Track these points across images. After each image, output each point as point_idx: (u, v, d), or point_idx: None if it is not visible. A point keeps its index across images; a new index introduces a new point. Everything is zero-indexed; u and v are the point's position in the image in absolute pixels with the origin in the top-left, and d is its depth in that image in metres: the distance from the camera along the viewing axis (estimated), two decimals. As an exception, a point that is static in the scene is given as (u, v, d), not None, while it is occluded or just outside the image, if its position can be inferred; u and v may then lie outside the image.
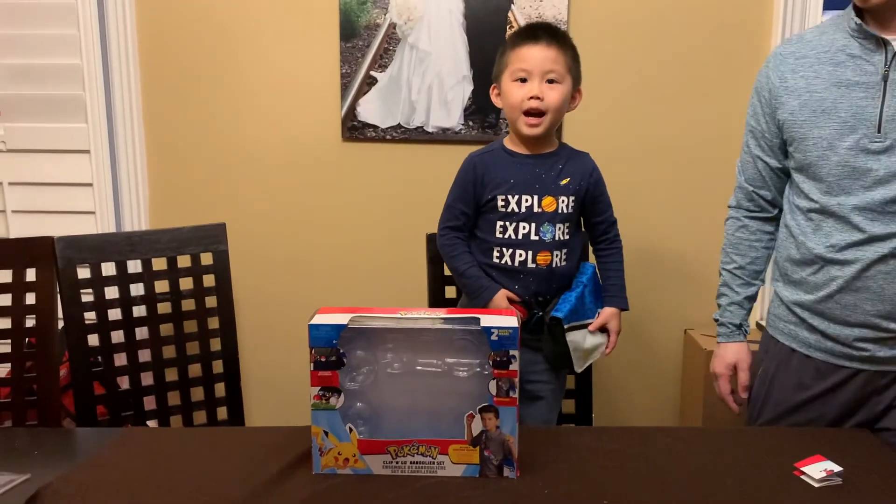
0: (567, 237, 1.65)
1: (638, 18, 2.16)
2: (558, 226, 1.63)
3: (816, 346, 1.43)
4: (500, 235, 1.63)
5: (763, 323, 1.65)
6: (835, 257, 1.37)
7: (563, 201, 1.63)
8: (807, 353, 1.45)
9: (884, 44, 1.32)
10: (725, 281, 1.60)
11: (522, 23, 2.11)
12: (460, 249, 1.66)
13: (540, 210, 1.61)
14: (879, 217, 1.32)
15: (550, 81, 1.59)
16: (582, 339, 1.67)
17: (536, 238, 1.62)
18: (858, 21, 1.34)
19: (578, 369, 1.70)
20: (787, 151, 1.47)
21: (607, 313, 1.70)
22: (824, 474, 1.17)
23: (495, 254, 1.64)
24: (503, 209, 1.62)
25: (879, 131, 1.32)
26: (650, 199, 2.24)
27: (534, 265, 1.62)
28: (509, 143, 1.68)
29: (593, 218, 1.72)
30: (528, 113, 1.59)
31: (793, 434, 1.40)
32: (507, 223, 1.62)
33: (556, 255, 1.64)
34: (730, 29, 2.16)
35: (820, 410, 1.44)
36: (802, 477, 1.19)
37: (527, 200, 1.61)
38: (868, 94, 1.33)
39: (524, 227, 1.61)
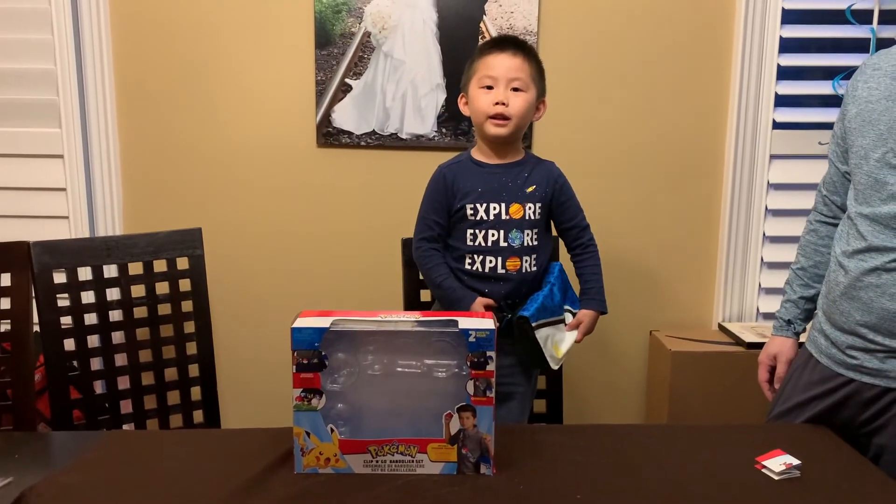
0: (535, 243, 1.71)
1: (605, 31, 2.22)
2: (526, 232, 1.69)
3: (825, 352, 1.48)
4: (471, 243, 1.69)
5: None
6: (842, 262, 1.42)
7: (529, 208, 1.69)
8: (818, 359, 1.49)
9: None
10: (788, 279, 1.64)
11: (494, 33, 2.16)
12: (435, 261, 1.71)
13: (507, 217, 1.67)
14: (883, 230, 1.35)
15: (515, 90, 1.65)
16: (551, 335, 1.72)
17: (505, 244, 1.67)
18: None
19: (554, 366, 1.74)
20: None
21: (584, 314, 1.76)
22: (783, 467, 1.23)
23: (467, 261, 1.70)
24: (472, 217, 1.68)
25: None
26: (615, 204, 2.30)
27: (503, 271, 1.68)
28: (477, 154, 1.74)
29: (564, 224, 1.78)
30: (493, 117, 1.65)
31: (755, 430, 1.46)
32: (477, 231, 1.68)
33: (526, 261, 1.70)
34: (693, 40, 2.23)
35: (811, 411, 1.49)
36: (763, 470, 1.25)
37: (494, 208, 1.67)
38: None
39: (493, 234, 1.67)
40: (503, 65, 1.65)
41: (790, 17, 2.21)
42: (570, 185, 1.78)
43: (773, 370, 1.64)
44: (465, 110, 1.75)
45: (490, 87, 1.65)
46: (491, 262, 1.68)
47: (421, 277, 1.94)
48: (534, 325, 1.66)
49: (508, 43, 1.68)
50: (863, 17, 2.20)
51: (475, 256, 1.69)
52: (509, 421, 1.74)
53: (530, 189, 1.70)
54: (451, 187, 1.70)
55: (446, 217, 1.71)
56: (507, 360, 1.72)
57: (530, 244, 1.70)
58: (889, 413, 1.39)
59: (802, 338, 1.61)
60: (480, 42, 2.17)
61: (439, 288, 1.70)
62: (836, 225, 1.56)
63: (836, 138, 1.53)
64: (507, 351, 1.70)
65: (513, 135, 1.69)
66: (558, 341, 1.73)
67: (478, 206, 1.67)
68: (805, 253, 1.61)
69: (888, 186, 1.35)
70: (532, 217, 1.69)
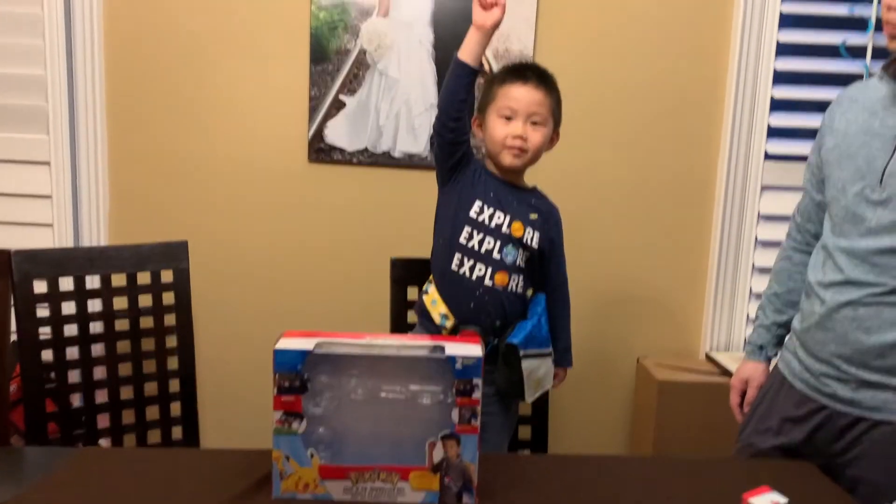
0: (524, 265, 1.69)
1: (601, 55, 2.22)
2: (521, 252, 1.67)
3: (798, 376, 1.49)
4: (465, 242, 1.65)
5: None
6: (819, 292, 1.43)
7: (529, 232, 1.67)
8: (791, 383, 1.50)
9: None
10: (762, 304, 1.67)
11: (490, 56, 2.16)
12: None
13: (507, 231, 1.65)
14: (861, 265, 1.37)
15: (534, 123, 1.64)
16: (536, 367, 1.69)
17: (498, 257, 1.65)
18: (881, 74, 1.39)
19: (529, 399, 1.71)
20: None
21: (558, 373, 1.78)
22: (770, 505, 1.21)
23: (455, 260, 1.65)
24: (476, 215, 1.64)
25: (881, 183, 1.35)
26: (605, 230, 2.29)
27: (490, 283, 1.65)
28: (489, 167, 1.72)
29: (549, 268, 1.75)
30: (510, 147, 1.63)
31: (741, 466, 1.45)
32: (475, 232, 1.64)
33: (513, 280, 1.67)
34: (688, 72, 2.24)
35: (785, 436, 1.49)
36: (749, 508, 1.23)
37: (498, 217, 1.65)
38: (883, 146, 1.36)
39: (489, 243, 1.64)
40: (525, 98, 1.63)
41: (784, 49, 2.23)
42: (562, 236, 1.77)
43: (744, 394, 1.65)
44: (478, 133, 1.72)
45: (509, 118, 1.63)
46: (480, 270, 1.65)
47: (410, 297, 1.93)
48: (521, 354, 1.64)
49: (531, 74, 1.65)
50: (856, 52, 2.21)
51: (465, 259, 1.65)
52: (485, 451, 1.70)
53: (533, 216, 1.69)
54: (474, 167, 1.68)
55: (458, 157, 1.67)
56: (486, 388, 1.67)
57: (521, 265, 1.68)
58: (861, 444, 1.40)
59: (774, 361, 1.63)
60: (497, 67, 2.16)
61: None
62: (809, 252, 1.57)
63: (811, 167, 1.55)
64: (487, 379, 1.65)
65: (525, 166, 1.69)
66: (542, 376, 1.70)
67: (485, 207, 1.65)
68: (779, 279, 1.63)
69: (866, 221, 1.36)
70: (529, 241, 1.67)
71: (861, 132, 1.39)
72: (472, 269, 1.65)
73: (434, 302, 1.69)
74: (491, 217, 1.64)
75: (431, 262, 1.73)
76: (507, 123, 1.64)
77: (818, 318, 1.42)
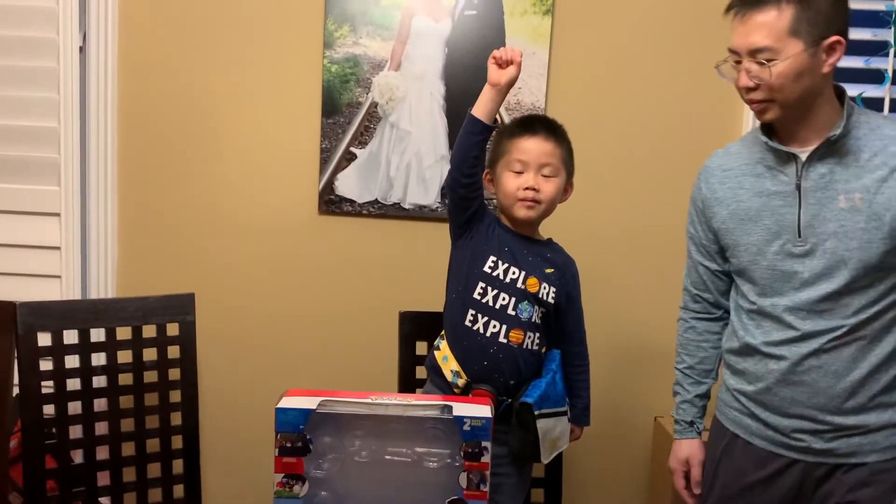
0: (540, 322, 1.65)
1: (613, 108, 2.21)
2: (536, 308, 1.63)
3: (757, 434, 1.48)
4: (479, 298, 1.61)
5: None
6: (770, 351, 1.43)
7: (545, 287, 1.64)
8: (748, 440, 1.49)
9: (793, 157, 1.40)
10: (678, 379, 1.66)
11: (502, 109, 2.15)
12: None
13: (523, 287, 1.61)
14: (809, 316, 1.39)
15: (546, 176, 1.62)
16: (552, 427, 1.63)
17: (513, 313, 1.61)
18: (765, 140, 1.43)
19: (545, 459, 1.65)
20: (725, 256, 1.54)
21: (574, 429, 1.73)
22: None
23: (469, 317, 1.61)
24: (490, 270, 1.61)
25: (800, 237, 1.39)
26: (621, 286, 2.25)
27: (505, 340, 1.60)
28: (504, 221, 1.69)
29: (567, 323, 1.72)
30: (523, 199, 1.61)
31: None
32: (490, 288, 1.61)
33: (529, 337, 1.63)
34: (702, 119, 2.22)
35: (760, 498, 1.47)
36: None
37: (514, 273, 1.61)
38: (786, 202, 1.41)
39: (503, 299, 1.60)
40: (534, 150, 1.61)
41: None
42: (580, 290, 1.74)
43: (687, 476, 1.62)
44: (489, 188, 1.69)
45: (520, 172, 1.61)
46: (494, 327, 1.60)
47: (418, 353, 1.89)
48: (536, 413, 1.58)
49: (540, 126, 1.64)
50: (872, 104, 2.19)
51: (479, 315, 1.61)
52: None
53: (549, 270, 1.65)
54: (492, 223, 1.66)
55: (469, 214, 1.64)
56: (499, 449, 1.60)
57: (537, 321, 1.64)
58: (839, 492, 1.40)
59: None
60: (508, 120, 2.16)
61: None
62: (711, 320, 1.61)
63: (698, 240, 1.58)
64: (500, 440, 1.59)
65: (540, 218, 1.67)
66: (558, 436, 1.65)
67: (499, 262, 1.61)
68: (688, 351, 1.63)
69: (798, 275, 1.39)
70: (545, 297, 1.64)
71: (754, 195, 1.44)
72: (486, 325, 1.61)
73: (445, 358, 1.64)
74: (506, 272, 1.61)
75: (444, 316, 1.69)
76: (517, 176, 1.62)
77: (779, 376, 1.42)
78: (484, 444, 1.12)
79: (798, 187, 1.39)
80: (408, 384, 1.88)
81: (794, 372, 1.40)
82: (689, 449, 1.61)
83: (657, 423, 2.24)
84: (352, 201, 2.22)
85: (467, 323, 1.61)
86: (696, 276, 1.61)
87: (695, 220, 1.58)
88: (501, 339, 1.60)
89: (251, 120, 2.22)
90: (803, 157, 1.39)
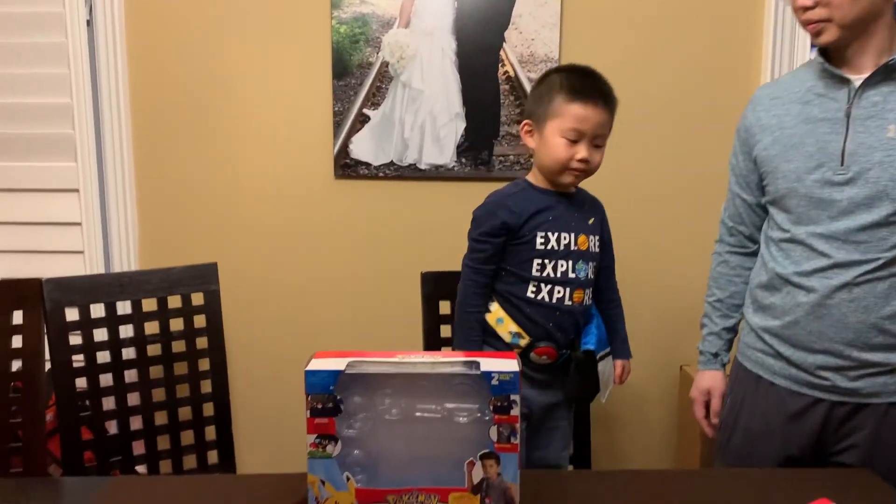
0: (593, 276, 1.65)
1: (628, 60, 2.17)
2: (590, 263, 1.62)
3: (781, 374, 1.48)
4: (539, 272, 1.59)
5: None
6: (801, 282, 1.42)
7: (592, 240, 1.63)
8: (772, 381, 1.49)
9: (846, 82, 1.37)
10: (706, 312, 1.68)
11: (515, 61, 2.13)
12: (482, 307, 1.63)
13: (576, 248, 1.60)
14: (844, 246, 1.37)
15: (596, 145, 1.57)
16: (605, 367, 1.68)
17: (573, 276, 1.60)
18: (822, 61, 1.40)
19: (604, 399, 1.69)
20: (763, 188, 1.52)
21: (620, 364, 1.72)
22: (832, 519, 1.15)
23: (530, 288, 1.60)
24: (542, 246, 1.58)
25: (842, 164, 1.37)
26: (645, 236, 2.24)
27: (570, 303, 1.60)
28: (536, 180, 1.64)
29: (604, 261, 1.70)
30: (573, 170, 1.57)
31: (794, 475, 1.37)
32: (546, 261, 1.58)
33: (587, 293, 1.64)
34: (718, 65, 2.18)
35: (783, 439, 1.48)
36: (810, 522, 1.16)
37: (565, 238, 1.59)
38: (832, 129, 1.38)
39: (562, 265, 1.59)
40: (592, 120, 1.54)
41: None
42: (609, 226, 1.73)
43: (707, 405, 1.65)
44: (528, 141, 1.61)
45: (573, 140, 1.54)
46: (559, 292, 1.59)
47: (442, 312, 1.89)
48: (597, 357, 1.62)
49: (598, 94, 1.56)
50: None
51: (542, 285, 1.59)
52: (558, 451, 1.72)
53: (590, 221, 1.64)
54: (514, 217, 1.59)
55: (502, 250, 1.61)
56: (555, 396, 1.67)
57: (591, 277, 1.63)
58: (861, 432, 1.42)
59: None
60: (501, 70, 2.13)
61: (463, 331, 1.62)
62: (745, 254, 1.61)
63: (738, 171, 1.57)
64: (558, 386, 1.65)
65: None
66: (609, 374, 1.70)
67: (549, 234, 1.58)
68: (719, 285, 1.65)
69: (836, 203, 1.37)
70: (594, 249, 1.63)
71: (800, 122, 1.42)
72: (550, 293, 1.60)
73: (500, 321, 1.63)
74: (558, 241, 1.59)
75: (502, 282, 1.65)
76: (571, 145, 1.54)
77: (808, 309, 1.41)
78: (513, 397, 1.12)
79: (847, 114, 1.36)
80: (433, 343, 1.89)
81: (824, 305, 1.39)
82: (711, 380, 1.64)
83: (683, 371, 2.24)
84: (367, 164, 2.21)
85: (529, 294, 1.60)
86: (734, 208, 1.61)
87: (737, 150, 1.57)
88: (566, 302, 1.60)
89: (262, 86, 2.20)
90: (857, 83, 1.36)
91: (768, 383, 1.50)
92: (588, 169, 1.58)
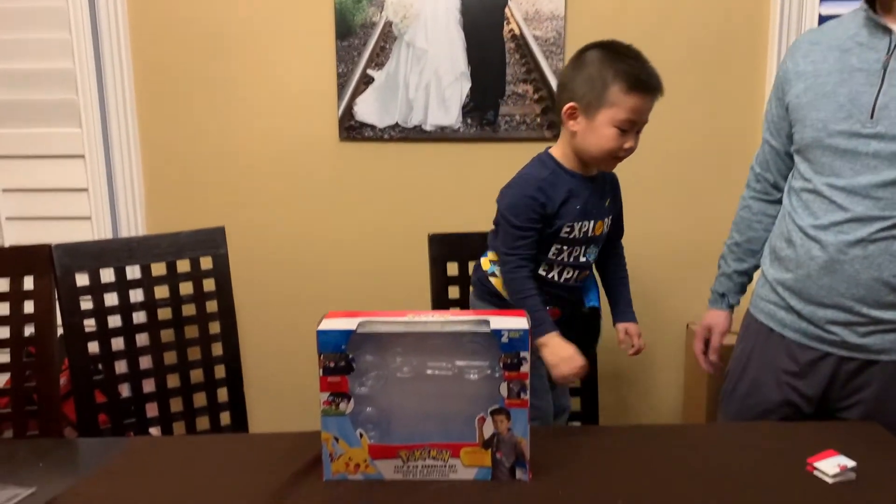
0: (599, 255, 1.65)
1: (636, 14, 2.14)
2: (600, 245, 1.62)
3: (791, 327, 1.48)
4: (554, 256, 1.57)
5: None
6: (816, 235, 1.41)
7: (606, 222, 1.60)
8: (782, 334, 1.50)
9: (888, 32, 1.34)
10: (723, 254, 1.70)
11: (520, 19, 2.10)
12: (533, 289, 1.53)
13: (593, 234, 1.58)
14: (863, 201, 1.35)
15: (638, 131, 1.51)
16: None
17: (584, 259, 1.59)
18: (866, 8, 1.37)
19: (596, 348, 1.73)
20: (791, 136, 1.51)
21: (633, 328, 1.65)
22: (838, 469, 1.17)
23: (543, 267, 1.57)
24: (567, 235, 1.55)
25: (872, 117, 1.34)
26: (651, 194, 2.23)
27: (576, 282, 1.62)
28: (566, 162, 1.55)
29: (611, 233, 1.67)
30: (617, 158, 1.52)
31: (802, 428, 1.39)
32: (564, 247, 1.56)
33: (591, 269, 1.65)
34: (728, 19, 2.15)
35: (789, 390, 1.50)
36: (815, 473, 1.18)
37: (585, 226, 1.56)
38: (868, 80, 1.35)
39: (577, 251, 1.58)
40: (646, 111, 1.48)
41: None
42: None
43: (707, 343, 1.70)
44: (572, 125, 1.49)
45: (625, 131, 1.46)
46: (568, 273, 1.60)
47: (450, 273, 1.90)
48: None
49: (657, 86, 1.48)
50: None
51: (553, 266, 1.58)
52: (566, 397, 1.76)
53: (607, 202, 1.61)
54: (550, 204, 1.52)
55: (539, 235, 1.56)
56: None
57: (596, 257, 1.64)
58: (868, 388, 1.43)
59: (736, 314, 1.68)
60: (506, 28, 2.10)
61: (535, 319, 1.48)
62: (768, 201, 1.61)
63: (770, 116, 1.56)
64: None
65: None
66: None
67: (574, 224, 1.54)
68: (739, 229, 1.66)
69: (861, 157, 1.35)
70: (606, 230, 1.61)
71: (836, 71, 1.39)
72: (560, 273, 1.59)
73: None
74: (580, 230, 1.55)
75: (498, 255, 1.62)
76: (622, 135, 1.46)
77: (822, 263, 1.40)
78: (522, 354, 1.13)
79: (885, 66, 1.34)
80: (441, 305, 1.90)
81: (838, 261, 1.38)
82: (715, 318, 1.67)
83: (689, 329, 2.25)
84: (372, 126, 2.19)
85: (541, 272, 1.58)
86: (763, 155, 1.61)
87: (772, 96, 1.55)
88: (573, 282, 1.61)
89: (266, 48, 2.19)
90: None
91: (779, 336, 1.51)
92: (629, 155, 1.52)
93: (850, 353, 1.42)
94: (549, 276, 1.59)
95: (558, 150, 1.56)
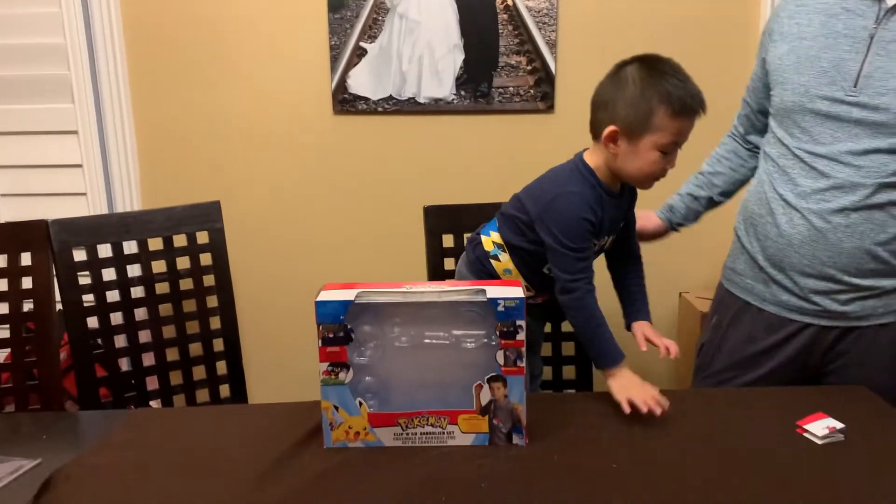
0: None
1: (630, 4, 2.14)
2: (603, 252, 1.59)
3: (770, 300, 1.49)
4: None
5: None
6: (798, 203, 1.41)
7: (613, 237, 1.56)
8: (760, 307, 1.51)
9: (878, 0, 1.33)
10: (687, 179, 1.73)
11: (521, 7, 2.08)
12: (597, 311, 1.47)
13: (607, 248, 1.56)
14: (844, 168, 1.35)
15: None
16: None
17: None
18: None
19: None
20: (765, 96, 1.52)
21: (647, 327, 1.60)
22: (827, 431, 1.20)
23: (546, 267, 1.51)
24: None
25: (856, 86, 1.34)
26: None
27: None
28: (601, 174, 1.46)
29: (625, 233, 1.62)
30: (657, 179, 1.45)
31: (792, 392, 1.42)
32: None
33: None
34: (719, 14, 2.15)
35: (769, 363, 1.51)
36: (805, 434, 1.21)
37: (605, 240, 1.53)
38: (853, 47, 1.34)
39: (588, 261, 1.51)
40: (690, 130, 1.40)
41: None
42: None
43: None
44: (612, 149, 1.40)
45: (667, 153, 1.39)
46: None
47: (446, 245, 1.91)
48: None
49: (702, 106, 1.38)
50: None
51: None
52: (538, 366, 1.78)
53: (621, 224, 1.57)
54: (598, 222, 1.45)
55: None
56: (537, 323, 1.73)
57: None
58: (849, 354, 1.44)
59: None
60: (499, 3, 2.09)
61: (593, 338, 1.47)
62: (740, 144, 1.65)
63: (753, 73, 1.58)
64: (539, 313, 1.69)
65: None
66: None
67: (598, 242, 1.49)
68: (709, 161, 1.69)
69: (843, 123, 1.35)
70: (610, 244, 1.57)
71: (821, 35, 1.38)
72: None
73: (508, 272, 1.57)
74: (600, 245, 1.52)
75: (508, 247, 1.56)
76: (664, 157, 1.39)
77: (805, 232, 1.40)
78: (518, 322, 1.15)
79: (872, 35, 1.33)
80: (437, 275, 1.91)
81: (821, 230, 1.38)
82: (645, 215, 1.71)
83: (682, 298, 2.28)
84: (366, 99, 2.19)
85: (545, 270, 1.53)
86: (742, 108, 1.64)
87: (761, 55, 1.54)
88: None
89: (258, 22, 2.18)
90: (890, 2, 1.32)
91: (756, 309, 1.51)
92: None
93: (831, 322, 1.43)
94: (552, 273, 1.50)
95: (593, 161, 1.46)
